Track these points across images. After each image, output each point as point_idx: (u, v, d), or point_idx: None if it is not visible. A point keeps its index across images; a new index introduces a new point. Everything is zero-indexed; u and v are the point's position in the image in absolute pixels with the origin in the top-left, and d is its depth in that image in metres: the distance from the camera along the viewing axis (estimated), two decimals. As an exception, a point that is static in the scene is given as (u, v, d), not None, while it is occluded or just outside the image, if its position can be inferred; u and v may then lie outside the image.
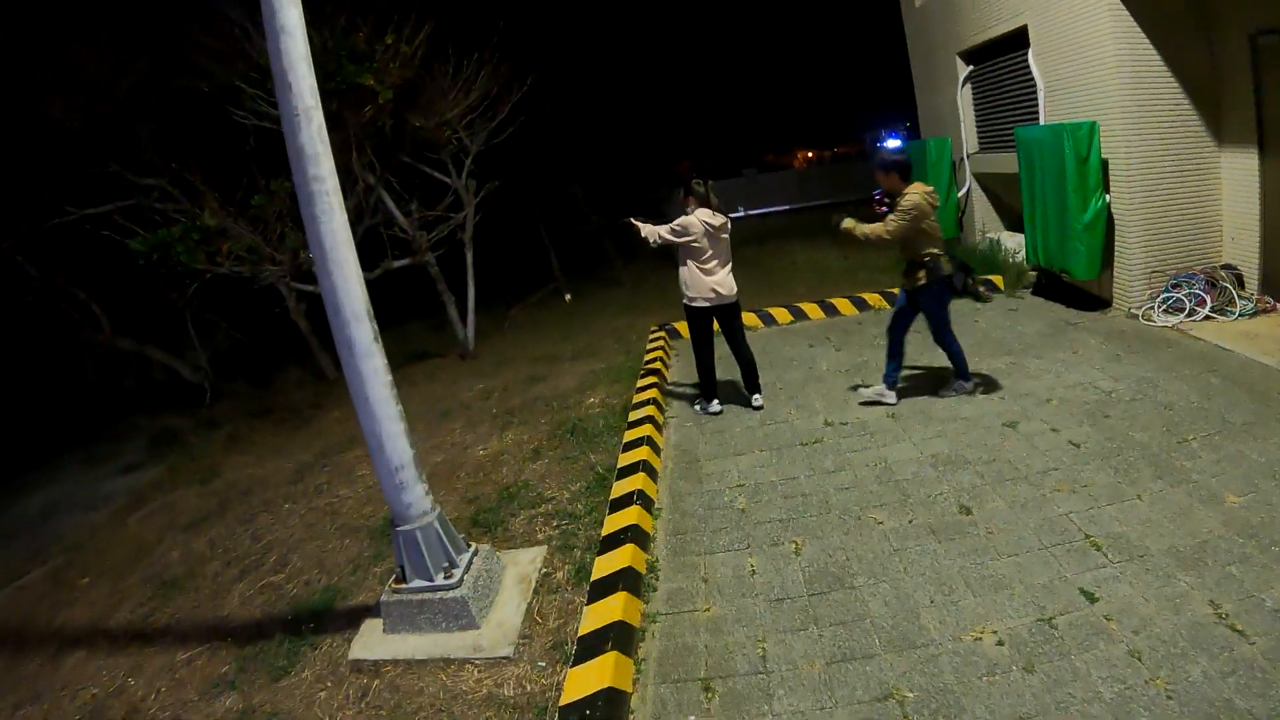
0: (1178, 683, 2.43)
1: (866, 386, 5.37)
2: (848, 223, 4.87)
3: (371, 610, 3.53)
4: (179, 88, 7.33)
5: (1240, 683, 2.38)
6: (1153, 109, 5.89)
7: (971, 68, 9.11)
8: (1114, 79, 5.91)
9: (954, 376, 5.19)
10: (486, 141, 9.45)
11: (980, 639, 2.77)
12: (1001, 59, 8.18)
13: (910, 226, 4.56)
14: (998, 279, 8.05)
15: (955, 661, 2.68)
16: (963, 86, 9.29)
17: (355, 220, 8.32)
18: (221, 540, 5.01)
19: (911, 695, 2.56)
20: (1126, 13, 5.67)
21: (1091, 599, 2.89)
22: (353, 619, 3.59)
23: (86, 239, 7.70)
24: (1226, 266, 6.01)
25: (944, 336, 4.99)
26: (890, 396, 5.15)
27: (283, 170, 4.48)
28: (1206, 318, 5.76)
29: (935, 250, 4.68)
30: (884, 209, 4.83)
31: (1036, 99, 7.28)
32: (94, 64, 7.15)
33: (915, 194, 4.56)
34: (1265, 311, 5.71)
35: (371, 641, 3.31)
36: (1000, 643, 2.73)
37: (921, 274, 4.74)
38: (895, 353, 5.12)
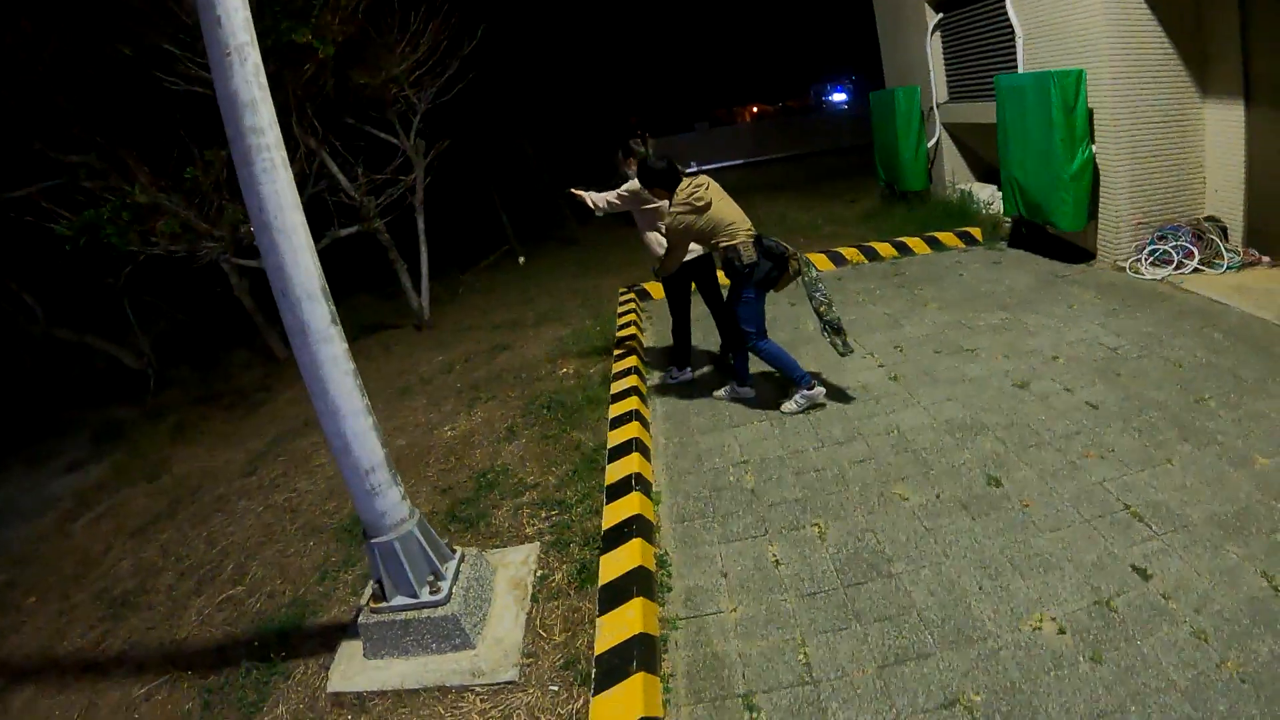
0: (1248, 664, 2.26)
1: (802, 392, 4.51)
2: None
3: (347, 630, 3.10)
4: (105, 55, 6.54)
5: (1309, 660, 2.22)
6: (1139, 57, 5.69)
7: (941, 15, 8.79)
8: (1100, 26, 5.67)
9: (734, 378, 4.81)
10: (435, 99, 8.84)
11: (1040, 628, 2.52)
12: (974, 6, 7.87)
13: (687, 235, 4.31)
14: (975, 231, 7.89)
15: (1019, 656, 2.42)
16: (932, 35, 8.98)
17: (299, 188, 7.58)
18: (174, 546, 4.52)
19: (979, 699, 2.29)
20: (1115, -46, 5.39)
21: (1145, 576, 2.68)
22: (327, 640, 3.17)
23: (10, 224, 6.93)
24: (1210, 219, 5.90)
25: (741, 325, 4.40)
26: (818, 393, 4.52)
27: (217, 140, 3.89)
28: (1195, 270, 5.66)
29: (724, 241, 4.23)
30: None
31: (1014, 47, 7.02)
32: (9, 32, 6.32)
33: (675, 209, 4.21)
34: (1251, 264, 5.63)
35: (351, 669, 2.88)
36: (1062, 631, 2.49)
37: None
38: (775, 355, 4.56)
